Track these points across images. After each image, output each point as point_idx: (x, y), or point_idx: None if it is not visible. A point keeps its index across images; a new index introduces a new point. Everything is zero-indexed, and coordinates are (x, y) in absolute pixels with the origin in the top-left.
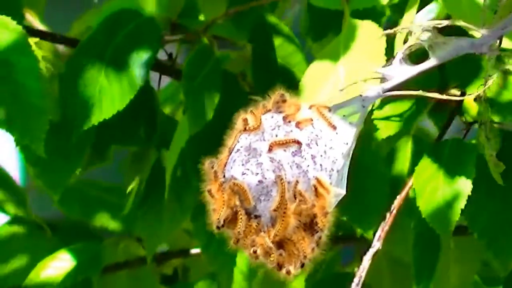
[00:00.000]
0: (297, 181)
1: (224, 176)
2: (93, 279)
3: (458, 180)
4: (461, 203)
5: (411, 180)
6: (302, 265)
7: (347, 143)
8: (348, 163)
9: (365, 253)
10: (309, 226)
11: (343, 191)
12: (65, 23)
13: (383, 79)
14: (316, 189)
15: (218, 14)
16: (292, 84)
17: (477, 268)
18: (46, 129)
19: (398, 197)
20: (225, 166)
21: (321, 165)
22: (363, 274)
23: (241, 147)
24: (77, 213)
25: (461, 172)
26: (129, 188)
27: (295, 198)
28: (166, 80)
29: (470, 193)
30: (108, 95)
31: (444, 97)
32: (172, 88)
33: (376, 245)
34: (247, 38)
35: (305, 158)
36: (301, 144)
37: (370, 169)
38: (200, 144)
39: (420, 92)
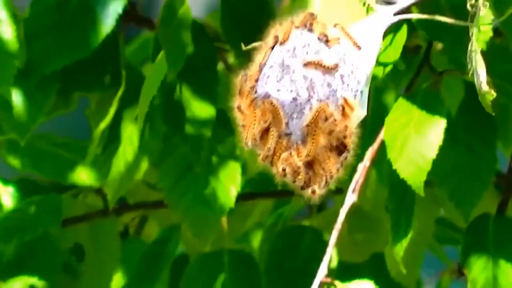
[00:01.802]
0: (328, 100)
1: (256, 92)
2: (52, 233)
3: (429, 130)
4: (433, 153)
5: (382, 131)
6: (327, 185)
7: (370, 63)
8: (369, 84)
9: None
10: (335, 146)
11: (364, 112)
12: None
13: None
14: (343, 109)
15: None
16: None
17: (434, 220)
18: (14, 73)
19: (370, 148)
20: (256, 81)
21: (348, 84)
22: (340, 227)
23: (275, 63)
24: (29, 168)
25: (432, 122)
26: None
27: (326, 118)
28: None
29: (441, 143)
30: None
31: (460, 22)
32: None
33: (352, 197)
34: None
35: (334, 77)
36: (336, 67)
37: None
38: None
39: (430, 16)
